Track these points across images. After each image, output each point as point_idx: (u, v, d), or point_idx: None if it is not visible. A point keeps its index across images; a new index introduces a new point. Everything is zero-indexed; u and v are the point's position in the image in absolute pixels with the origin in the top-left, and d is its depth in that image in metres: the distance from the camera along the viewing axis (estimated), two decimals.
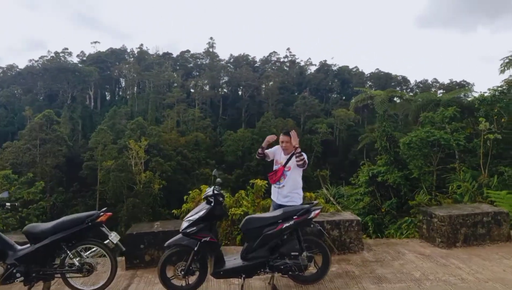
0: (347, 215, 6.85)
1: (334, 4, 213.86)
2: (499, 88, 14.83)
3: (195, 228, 4.45)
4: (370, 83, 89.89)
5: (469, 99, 21.69)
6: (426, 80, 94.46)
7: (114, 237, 4.51)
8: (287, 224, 4.52)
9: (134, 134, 44.90)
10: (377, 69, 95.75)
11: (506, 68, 13.93)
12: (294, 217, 4.59)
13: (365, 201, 16.47)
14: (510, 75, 16.41)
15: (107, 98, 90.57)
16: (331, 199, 19.74)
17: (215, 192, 4.63)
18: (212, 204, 4.57)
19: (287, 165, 5.25)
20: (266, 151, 5.47)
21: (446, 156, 15.59)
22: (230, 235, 8.50)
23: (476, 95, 16.59)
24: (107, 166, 37.97)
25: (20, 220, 18.55)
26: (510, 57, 13.89)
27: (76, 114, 64.43)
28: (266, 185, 10.01)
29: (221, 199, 4.63)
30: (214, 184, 4.78)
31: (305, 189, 5.94)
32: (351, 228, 6.40)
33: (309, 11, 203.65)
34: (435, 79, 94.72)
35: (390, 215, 15.20)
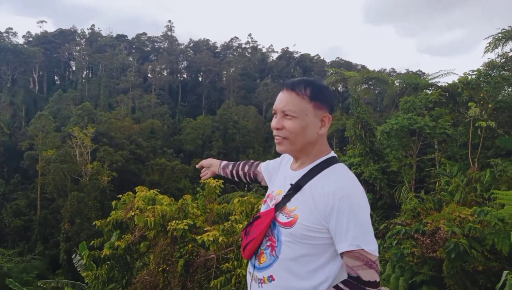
0: None
1: None
2: (483, 70, 13.39)
3: None
4: (331, 72, 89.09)
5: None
6: (385, 70, 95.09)
7: None
8: None
9: (81, 121, 40.96)
10: (338, 57, 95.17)
11: (494, 46, 12.40)
12: None
13: None
14: (489, 58, 15.01)
15: (57, 82, 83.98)
16: None
17: None
18: None
19: (289, 209, 1.48)
20: (260, 165, 2.06)
21: (423, 146, 14.12)
22: (170, 258, 6.23)
23: (456, 79, 15.11)
24: (47, 156, 34.07)
25: None
26: (499, 34, 12.37)
27: (18, 99, 58.49)
28: (221, 186, 7.75)
29: None
30: None
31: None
32: None
33: None
34: (392, 68, 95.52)
35: None
